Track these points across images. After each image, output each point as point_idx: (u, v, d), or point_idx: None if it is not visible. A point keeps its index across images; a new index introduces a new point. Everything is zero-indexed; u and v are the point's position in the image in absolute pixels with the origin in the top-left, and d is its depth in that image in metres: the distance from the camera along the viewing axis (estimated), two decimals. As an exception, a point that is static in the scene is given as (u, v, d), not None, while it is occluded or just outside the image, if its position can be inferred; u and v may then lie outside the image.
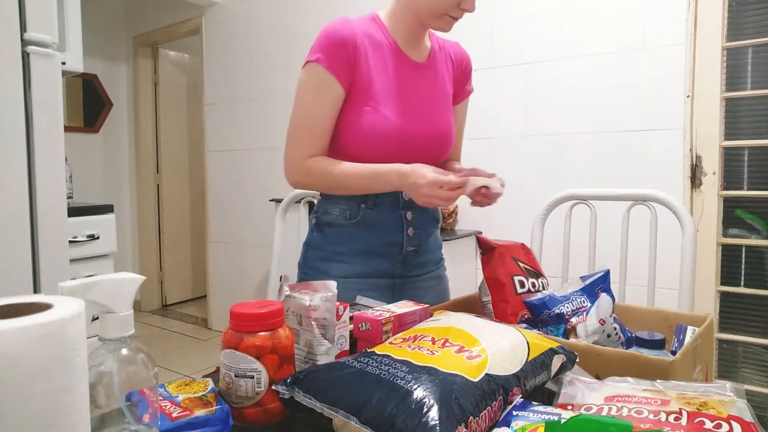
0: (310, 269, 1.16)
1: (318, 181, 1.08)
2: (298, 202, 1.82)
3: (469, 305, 1.02)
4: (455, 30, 1.13)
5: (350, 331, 0.77)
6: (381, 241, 1.12)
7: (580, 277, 1.02)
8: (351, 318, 0.78)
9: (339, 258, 1.12)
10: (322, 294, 0.73)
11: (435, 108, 1.14)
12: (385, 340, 0.73)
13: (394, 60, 1.10)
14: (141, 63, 4.40)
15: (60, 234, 1.51)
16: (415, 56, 1.13)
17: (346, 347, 0.76)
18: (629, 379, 0.61)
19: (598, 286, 0.99)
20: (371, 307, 0.87)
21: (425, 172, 0.98)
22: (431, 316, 0.80)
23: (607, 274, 1.02)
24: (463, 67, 1.22)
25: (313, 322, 0.72)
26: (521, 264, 1.05)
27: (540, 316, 0.94)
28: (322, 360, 0.71)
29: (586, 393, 0.59)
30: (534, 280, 1.04)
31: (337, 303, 0.75)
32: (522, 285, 1.01)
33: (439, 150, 1.15)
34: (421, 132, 1.10)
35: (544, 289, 1.05)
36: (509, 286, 1.00)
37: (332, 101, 1.05)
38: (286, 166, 1.09)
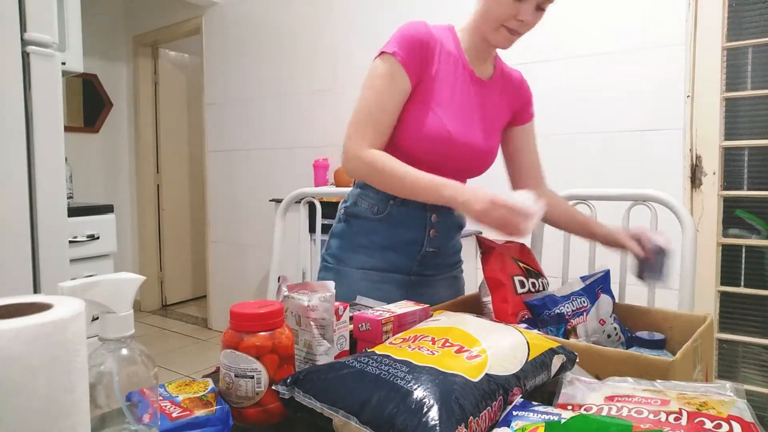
0: (331, 257, 1.19)
1: (376, 175, 1.05)
2: (298, 202, 1.81)
3: (469, 305, 1.02)
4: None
5: (350, 331, 0.77)
6: (402, 238, 1.14)
7: (580, 277, 1.02)
8: (351, 318, 0.78)
9: (361, 250, 1.15)
10: (321, 294, 0.73)
11: (486, 125, 1.15)
12: (385, 340, 0.73)
13: (460, 71, 1.12)
14: (141, 63, 4.40)
15: (60, 234, 1.51)
16: (479, 72, 1.15)
17: (346, 347, 0.76)
18: (629, 379, 0.61)
19: (598, 286, 0.99)
20: (371, 307, 0.87)
21: (485, 192, 0.93)
22: (431, 316, 0.80)
23: (607, 274, 1.02)
24: (522, 93, 1.23)
25: (311, 323, 0.72)
26: (521, 264, 1.06)
27: (540, 316, 0.94)
28: (322, 360, 0.71)
29: (586, 393, 0.59)
30: (534, 280, 1.04)
31: (337, 303, 0.75)
32: (522, 285, 1.02)
33: (477, 167, 1.16)
34: (467, 144, 1.11)
35: (544, 289, 1.05)
36: (509, 286, 1.00)
37: (400, 95, 1.06)
38: (347, 152, 1.07)
